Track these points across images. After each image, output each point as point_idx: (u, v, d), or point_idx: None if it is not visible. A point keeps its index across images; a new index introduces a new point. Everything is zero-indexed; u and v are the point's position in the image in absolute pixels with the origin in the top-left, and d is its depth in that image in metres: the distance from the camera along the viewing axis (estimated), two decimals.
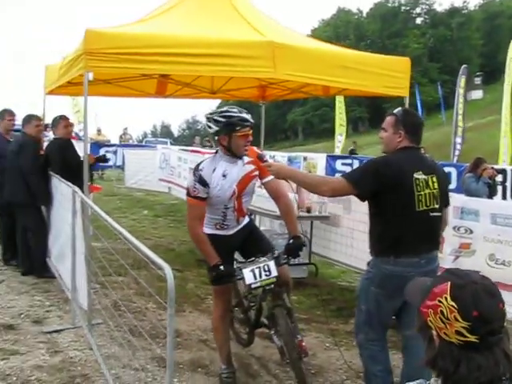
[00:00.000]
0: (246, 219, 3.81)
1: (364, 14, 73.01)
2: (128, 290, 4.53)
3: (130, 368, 3.81)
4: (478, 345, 1.24)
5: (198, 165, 3.49)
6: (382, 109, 45.19)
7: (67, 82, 5.78)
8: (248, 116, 3.39)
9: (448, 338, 1.27)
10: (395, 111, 3.32)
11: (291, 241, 3.56)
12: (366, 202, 3.25)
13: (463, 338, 1.24)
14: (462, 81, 16.49)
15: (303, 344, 3.53)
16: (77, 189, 4.53)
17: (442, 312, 1.27)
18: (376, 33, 65.76)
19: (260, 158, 3.53)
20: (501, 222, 4.83)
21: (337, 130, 23.17)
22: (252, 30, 5.44)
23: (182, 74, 6.36)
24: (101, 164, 11.75)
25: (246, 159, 3.54)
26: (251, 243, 3.73)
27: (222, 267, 3.37)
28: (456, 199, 5.02)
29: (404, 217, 3.07)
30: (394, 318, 3.31)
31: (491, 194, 8.10)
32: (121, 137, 21.97)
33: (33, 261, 6.15)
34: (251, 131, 3.44)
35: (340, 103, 22.61)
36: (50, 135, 8.37)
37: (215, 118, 3.39)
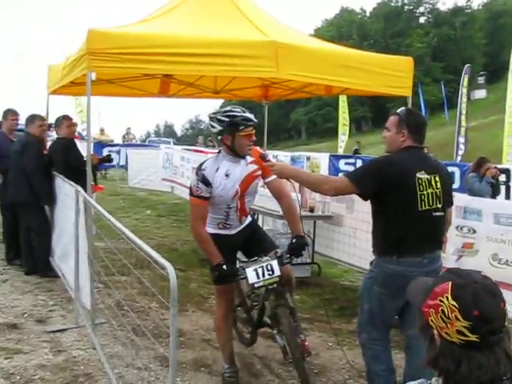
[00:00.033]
0: (249, 219, 3.82)
1: (367, 14, 72.89)
2: (131, 289, 4.53)
3: (133, 367, 3.82)
4: (479, 344, 1.24)
5: (201, 164, 3.49)
6: (385, 108, 45.15)
7: (70, 82, 5.79)
8: (251, 116, 3.39)
9: (449, 338, 1.27)
10: (398, 111, 3.31)
11: (294, 240, 3.56)
12: (369, 202, 3.25)
13: (464, 338, 1.25)
14: (465, 80, 16.48)
15: (306, 343, 3.51)
16: (80, 188, 4.54)
17: (443, 311, 1.27)
18: (379, 32, 65.61)
19: (263, 158, 3.52)
20: (504, 222, 4.82)
21: (340, 130, 23.17)
22: (255, 29, 5.44)
23: (185, 73, 6.37)
24: (105, 164, 11.81)
25: (249, 159, 3.54)
26: (254, 243, 3.74)
27: (224, 267, 3.37)
28: (459, 199, 5.00)
29: (407, 216, 3.07)
30: (396, 317, 3.31)
31: (494, 194, 8.08)
32: (124, 136, 21.98)
33: (36, 260, 6.17)
34: (254, 131, 3.44)
35: (343, 103, 22.62)
36: (53, 135, 8.41)
37: (218, 117, 3.38)
